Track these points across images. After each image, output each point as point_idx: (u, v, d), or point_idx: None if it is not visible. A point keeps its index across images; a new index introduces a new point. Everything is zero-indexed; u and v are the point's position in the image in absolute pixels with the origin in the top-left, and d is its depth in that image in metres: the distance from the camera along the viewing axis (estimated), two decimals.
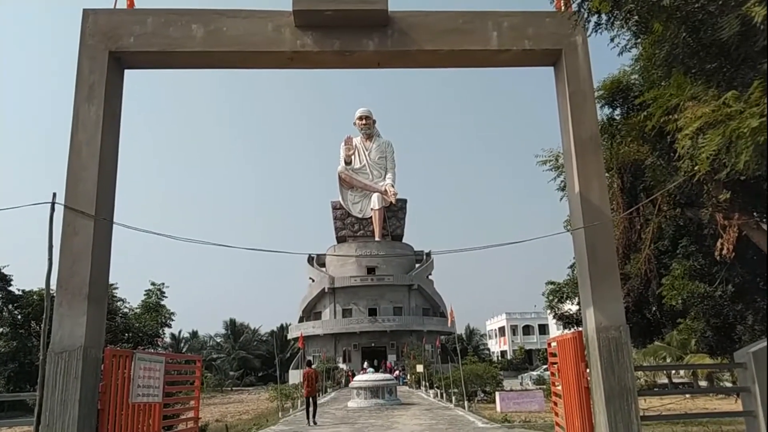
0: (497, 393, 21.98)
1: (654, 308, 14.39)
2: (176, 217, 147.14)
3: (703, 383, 27.92)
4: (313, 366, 21.38)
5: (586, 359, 7.25)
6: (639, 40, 8.50)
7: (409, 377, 47.48)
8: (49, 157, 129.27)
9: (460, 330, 79.00)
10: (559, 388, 8.15)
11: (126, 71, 7.56)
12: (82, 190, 6.74)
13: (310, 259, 66.63)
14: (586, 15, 6.71)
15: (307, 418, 18.44)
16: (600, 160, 7.45)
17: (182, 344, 72.31)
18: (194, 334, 76.91)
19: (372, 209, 64.33)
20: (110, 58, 7.19)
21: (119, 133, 7.42)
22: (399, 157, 68.11)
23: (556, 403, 8.70)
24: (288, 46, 7.35)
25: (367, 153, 65.53)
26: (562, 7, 7.53)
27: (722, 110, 5.90)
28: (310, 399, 18.83)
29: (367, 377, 27.99)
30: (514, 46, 7.52)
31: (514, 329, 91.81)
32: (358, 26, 7.41)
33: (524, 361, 75.81)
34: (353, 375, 41.95)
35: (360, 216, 65.05)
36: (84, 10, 7.33)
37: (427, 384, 36.83)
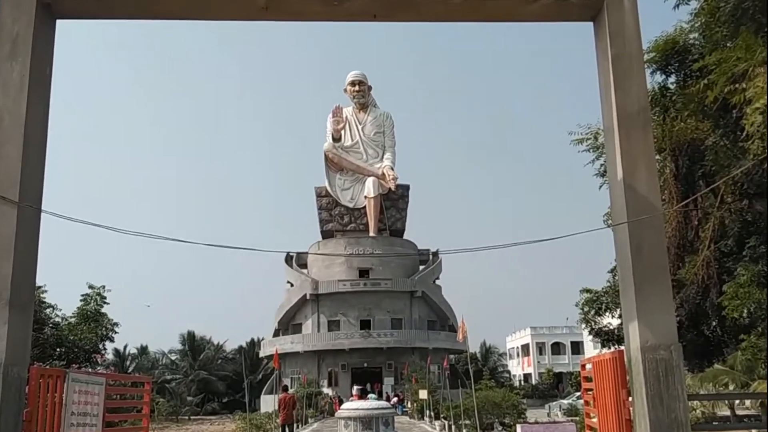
0: (519, 426, 21.90)
1: (713, 323, 14.48)
2: (122, 208, 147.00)
3: None
4: (290, 391, 22.24)
5: (628, 385, 7.28)
6: None
7: (410, 405, 47.68)
8: None
9: (473, 347, 79.41)
10: (595, 420, 8.19)
11: (59, 23, 7.51)
12: (2, 169, 6.71)
13: (289, 259, 66.70)
14: None
15: None
16: (649, 139, 7.45)
17: (128, 362, 72.49)
18: (143, 349, 77.14)
19: (366, 197, 64.32)
20: (38, 5, 7.14)
21: (49, 99, 7.38)
22: (400, 133, 68.06)
23: None
24: None
25: (360, 127, 65.45)
26: None
27: None
28: (286, 428, 20.72)
29: (360, 404, 28.06)
30: None
31: (540, 347, 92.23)
32: None
33: (552, 386, 76.25)
34: (341, 402, 42.15)
35: (351, 205, 65.05)
36: None
37: (433, 414, 37.00)
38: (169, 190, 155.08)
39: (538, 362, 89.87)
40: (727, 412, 30.66)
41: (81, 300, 16.93)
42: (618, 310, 16.10)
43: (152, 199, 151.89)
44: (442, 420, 32.40)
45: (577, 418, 25.36)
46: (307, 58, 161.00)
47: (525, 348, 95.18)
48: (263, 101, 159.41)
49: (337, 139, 64.55)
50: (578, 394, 34.72)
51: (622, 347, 7.51)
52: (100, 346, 16.83)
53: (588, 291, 18.34)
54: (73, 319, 16.71)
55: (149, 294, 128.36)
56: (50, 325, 16.32)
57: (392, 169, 64.42)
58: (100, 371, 15.61)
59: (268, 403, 52.55)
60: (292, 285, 66.20)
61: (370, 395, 39.20)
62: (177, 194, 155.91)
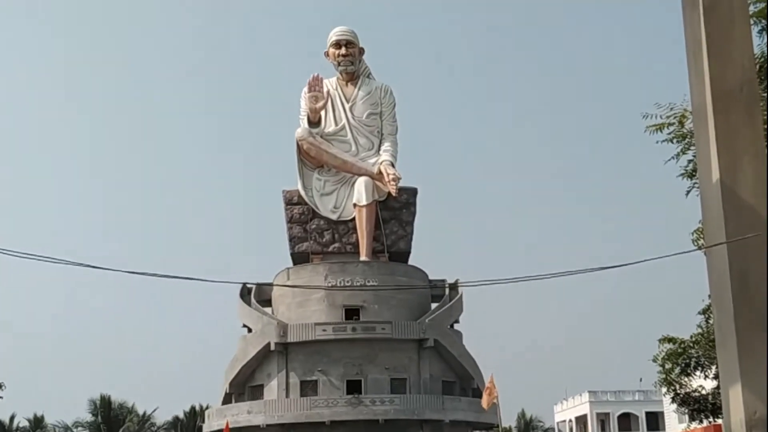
0: None
1: None
2: (20, 224, 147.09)
3: None
4: None
5: None
6: None
7: None
8: None
9: (508, 420, 79.20)
10: None
11: None
12: None
13: (245, 293, 66.38)
14: None
15: None
16: (757, 124, 7.50)
17: None
18: (38, 421, 77.00)
19: (356, 205, 64.22)
20: None
21: None
22: (404, 117, 68.06)
23: None
24: None
25: (348, 106, 65.40)
26: None
27: None
28: None
29: None
30: None
31: (603, 420, 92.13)
32: None
33: None
34: None
35: (334, 217, 64.95)
36: None
37: None
38: (80, 202, 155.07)
39: None
40: None
41: None
42: (713, 367, 16.13)
43: (68, 214, 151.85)
44: None
45: None
46: (274, 8, 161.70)
47: (581, 421, 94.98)
48: (208, 64, 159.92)
49: (315, 122, 64.45)
50: None
51: (720, 420, 7.53)
52: None
53: (670, 340, 18.37)
54: None
55: (46, 341, 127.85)
56: None
57: (393, 165, 64.29)
58: None
59: None
60: (249, 330, 65.96)
61: None
62: (92, 209, 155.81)
